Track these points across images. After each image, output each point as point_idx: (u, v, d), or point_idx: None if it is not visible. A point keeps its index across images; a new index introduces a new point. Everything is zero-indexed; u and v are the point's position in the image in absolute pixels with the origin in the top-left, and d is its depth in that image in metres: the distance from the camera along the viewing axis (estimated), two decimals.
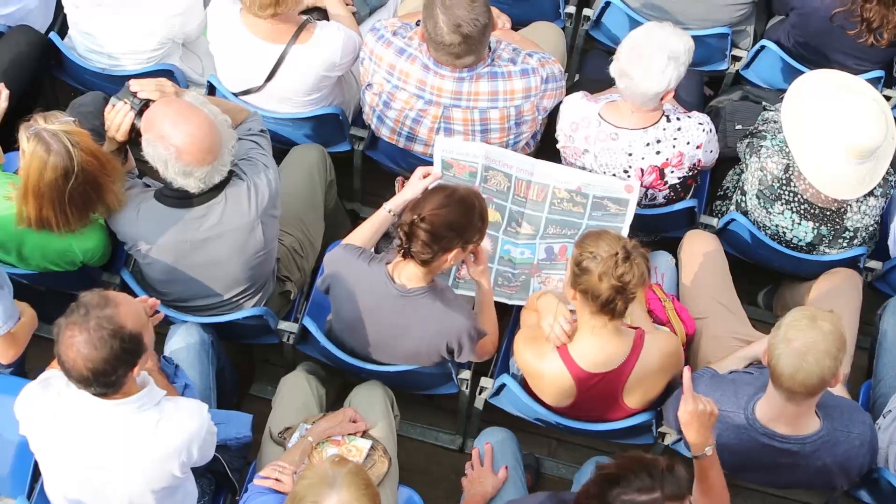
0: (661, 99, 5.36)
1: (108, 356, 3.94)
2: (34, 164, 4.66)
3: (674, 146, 5.48)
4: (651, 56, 5.22)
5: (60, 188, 4.70)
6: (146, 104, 4.81)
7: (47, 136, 4.64)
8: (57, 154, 4.63)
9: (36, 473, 4.75)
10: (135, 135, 4.83)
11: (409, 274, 4.77)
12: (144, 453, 4.17)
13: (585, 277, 4.50)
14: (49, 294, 5.42)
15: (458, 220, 4.65)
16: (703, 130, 5.53)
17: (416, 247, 4.61)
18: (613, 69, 5.35)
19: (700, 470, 4.40)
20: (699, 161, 5.60)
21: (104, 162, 4.77)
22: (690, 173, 5.63)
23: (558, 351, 4.74)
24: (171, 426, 4.19)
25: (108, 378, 3.99)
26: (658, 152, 5.48)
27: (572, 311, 4.79)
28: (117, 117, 4.85)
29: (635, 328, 4.82)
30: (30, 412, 4.23)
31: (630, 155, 5.48)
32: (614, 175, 5.51)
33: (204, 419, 4.28)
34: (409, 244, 4.61)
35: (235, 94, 5.81)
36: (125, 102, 4.85)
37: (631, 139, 5.46)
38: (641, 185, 5.52)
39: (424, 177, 5.22)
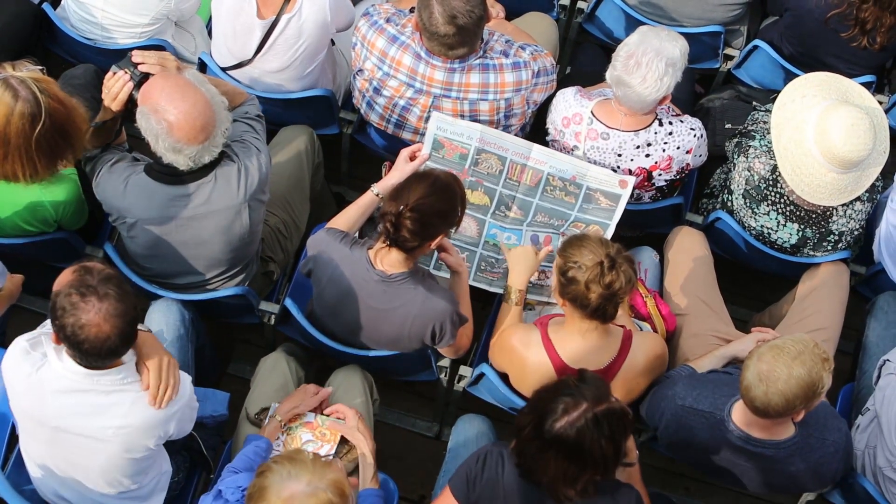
0: (659, 103, 5.36)
1: (131, 309, 4.02)
2: (1, 110, 4.63)
3: (664, 150, 5.47)
4: (649, 64, 5.21)
5: (27, 135, 4.65)
6: (146, 77, 4.78)
7: (15, 83, 4.61)
8: (24, 101, 4.59)
9: (11, 444, 4.75)
10: (131, 106, 4.80)
11: (390, 260, 4.77)
12: (124, 421, 4.19)
13: (573, 287, 4.52)
14: (31, 265, 5.41)
15: (443, 207, 4.68)
16: (695, 136, 5.53)
17: (402, 237, 4.61)
18: (609, 77, 5.34)
19: None
20: (687, 165, 5.60)
21: (71, 109, 4.75)
22: (678, 176, 5.63)
23: (543, 343, 4.76)
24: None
25: (127, 338, 4.04)
26: (648, 155, 5.48)
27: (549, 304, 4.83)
28: (116, 86, 4.81)
29: (621, 327, 4.82)
30: (14, 369, 4.23)
31: (619, 156, 5.47)
32: None
33: (186, 394, 4.32)
34: (396, 234, 4.61)
35: (226, 69, 5.80)
36: (126, 72, 4.82)
37: (621, 140, 5.45)
38: None
39: (411, 159, 5.23)
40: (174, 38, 6.11)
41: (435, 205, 4.63)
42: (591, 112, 5.48)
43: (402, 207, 4.58)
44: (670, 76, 5.25)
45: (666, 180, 5.60)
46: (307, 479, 3.70)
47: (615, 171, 5.48)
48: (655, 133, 5.45)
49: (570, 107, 5.54)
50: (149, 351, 4.27)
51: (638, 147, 5.45)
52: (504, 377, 5.04)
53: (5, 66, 4.69)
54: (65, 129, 4.74)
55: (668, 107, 5.73)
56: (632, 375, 4.82)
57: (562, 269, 4.56)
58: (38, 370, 4.16)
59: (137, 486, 4.47)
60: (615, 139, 5.45)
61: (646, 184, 5.58)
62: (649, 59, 5.21)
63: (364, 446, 4.72)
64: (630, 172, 5.49)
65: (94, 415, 4.17)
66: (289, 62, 5.73)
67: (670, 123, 5.49)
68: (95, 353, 4.01)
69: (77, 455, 4.29)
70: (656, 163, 5.49)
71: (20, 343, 4.24)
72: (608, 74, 5.35)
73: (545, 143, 5.65)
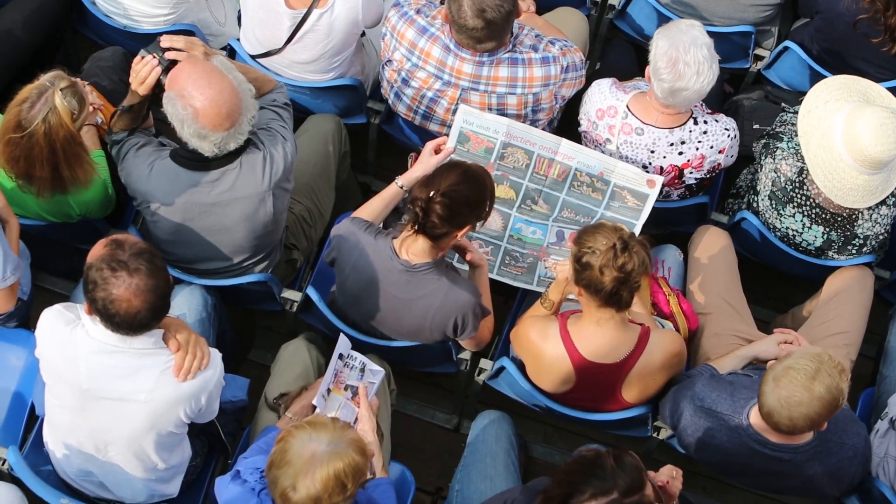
0: None
1: (162, 284, 4.07)
2: (13, 104, 4.70)
3: (697, 149, 5.45)
4: (696, 59, 5.15)
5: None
6: (174, 62, 4.77)
7: (45, 98, 4.66)
8: (29, 117, 4.64)
9: (29, 424, 4.77)
10: (158, 90, 4.80)
11: (416, 249, 4.77)
12: (156, 384, 4.22)
13: (587, 273, 4.52)
14: (55, 246, 5.42)
15: (473, 196, 4.69)
16: (729, 136, 5.51)
17: (431, 222, 4.61)
18: (659, 91, 5.27)
19: None
20: (718, 164, 5.57)
21: (59, 157, 4.78)
22: (708, 175, 5.61)
23: (561, 336, 4.76)
24: None
25: (158, 312, 4.10)
26: (681, 153, 5.45)
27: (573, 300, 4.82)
28: (143, 70, 4.81)
29: (640, 324, 4.82)
30: (48, 331, 4.26)
31: (652, 152, 5.46)
32: None
33: (217, 367, 4.35)
34: (425, 219, 4.61)
35: (255, 57, 5.80)
36: (154, 57, 4.81)
37: (656, 137, 5.43)
38: None
39: (436, 152, 5.22)
40: (207, 5, 6.14)
41: (465, 193, 4.64)
42: (627, 106, 5.46)
43: (432, 193, 4.59)
44: (713, 57, 5.24)
45: (696, 178, 5.58)
46: (328, 438, 3.76)
47: (646, 167, 5.46)
48: (690, 132, 5.43)
49: (605, 99, 5.52)
50: (177, 326, 4.31)
51: (672, 144, 5.43)
52: (523, 368, 5.03)
53: (65, 78, 4.72)
54: (31, 167, 4.77)
55: (702, 104, 5.70)
56: (648, 372, 4.81)
57: (577, 257, 4.56)
58: (72, 330, 4.20)
59: (164, 467, 4.50)
60: (649, 135, 5.43)
61: (676, 181, 5.56)
62: (693, 55, 5.16)
63: (370, 435, 4.73)
64: (661, 169, 5.47)
65: (127, 377, 4.20)
66: (317, 55, 5.74)
67: (705, 122, 5.47)
68: (127, 326, 4.08)
69: (106, 422, 4.31)
70: (688, 161, 5.47)
71: (55, 307, 4.30)
72: (657, 90, 5.30)
73: (575, 137, 5.62)
